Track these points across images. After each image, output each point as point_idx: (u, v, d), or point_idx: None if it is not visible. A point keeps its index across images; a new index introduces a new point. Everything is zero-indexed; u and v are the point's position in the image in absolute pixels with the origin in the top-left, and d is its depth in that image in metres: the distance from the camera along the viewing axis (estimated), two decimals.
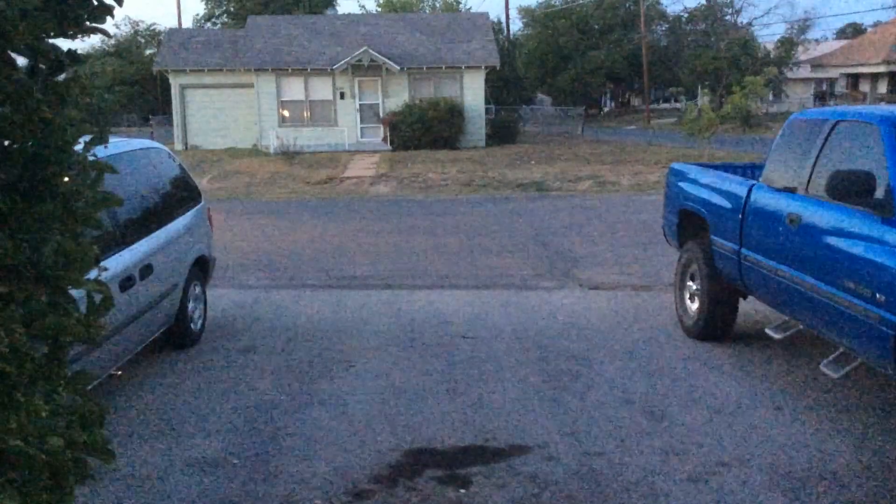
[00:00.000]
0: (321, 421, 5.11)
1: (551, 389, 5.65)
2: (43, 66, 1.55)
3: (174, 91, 31.14)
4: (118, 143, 6.10)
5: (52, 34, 1.55)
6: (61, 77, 1.56)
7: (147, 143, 6.88)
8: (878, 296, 4.27)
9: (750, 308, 7.17)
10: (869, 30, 52.29)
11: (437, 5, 57.32)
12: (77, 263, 1.55)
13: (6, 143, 1.51)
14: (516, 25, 57.77)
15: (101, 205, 1.64)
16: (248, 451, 4.67)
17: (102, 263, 4.85)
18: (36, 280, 1.47)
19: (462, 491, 4.16)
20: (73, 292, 1.63)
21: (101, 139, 1.69)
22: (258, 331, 7.15)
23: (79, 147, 1.62)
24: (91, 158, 1.65)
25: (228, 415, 5.22)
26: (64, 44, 1.59)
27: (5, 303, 1.45)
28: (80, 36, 1.60)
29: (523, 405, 5.36)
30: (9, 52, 1.52)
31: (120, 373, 5.66)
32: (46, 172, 1.48)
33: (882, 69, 40.89)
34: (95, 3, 1.61)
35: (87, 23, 1.57)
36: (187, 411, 5.28)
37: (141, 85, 45.07)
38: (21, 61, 1.54)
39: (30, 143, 1.48)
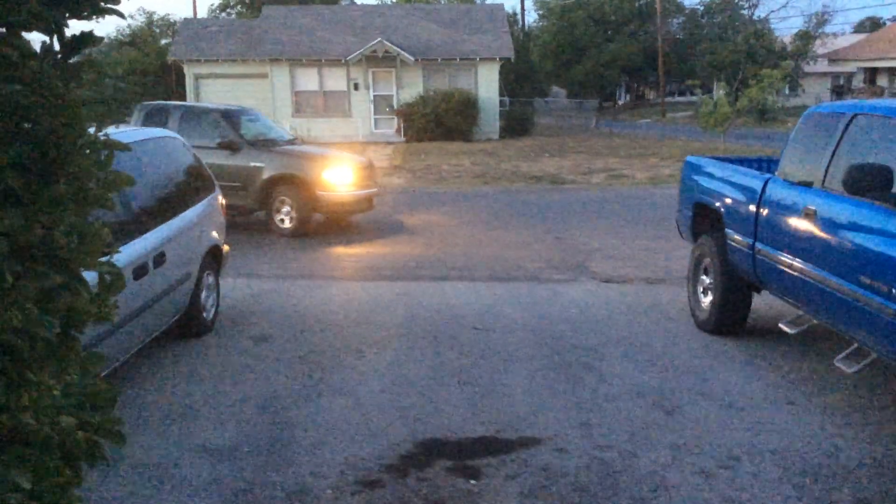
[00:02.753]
0: (333, 410, 5.12)
1: (563, 382, 5.65)
2: (57, 47, 1.55)
3: (189, 81, 31.23)
4: (133, 132, 6.13)
5: (66, 14, 1.55)
6: (75, 58, 1.56)
7: (161, 132, 6.90)
8: (893, 291, 4.24)
9: (763, 303, 7.12)
10: (888, 23, 51.76)
11: None
12: (89, 244, 1.56)
13: (20, 122, 1.51)
14: (531, 17, 57.79)
15: (113, 185, 1.64)
16: (259, 439, 4.69)
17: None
18: (48, 260, 1.48)
19: (473, 482, 4.16)
20: (86, 275, 1.64)
21: (112, 119, 1.69)
22: (270, 320, 7.17)
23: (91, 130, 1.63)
24: (102, 138, 1.65)
25: (240, 403, 5.24)
26: (78, 25, 1.60)
27: (18, 281, 1.46)
28: (94, 17, 1.60)
29: (535, 397, 5.36)
30: (22, 32, 1.52)
31: (133, 360, 5.69)
32: (59, 152, 1.48)
33: None
34: None
35: (102, 3, 1.57)
36: (199, 399, 5.30)
37: (156, 75, 45.23)
38: (35, 41, 1.54)
39: (43, 123, 1.49)
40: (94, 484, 4.08)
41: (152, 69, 37.41)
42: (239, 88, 30.85)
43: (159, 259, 5.60)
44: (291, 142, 12.74)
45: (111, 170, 1.65)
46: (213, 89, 30.94)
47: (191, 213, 6.51)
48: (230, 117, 11.85)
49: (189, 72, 31.02)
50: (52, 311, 1.51)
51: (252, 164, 11.33)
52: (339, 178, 11.43)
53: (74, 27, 1.57)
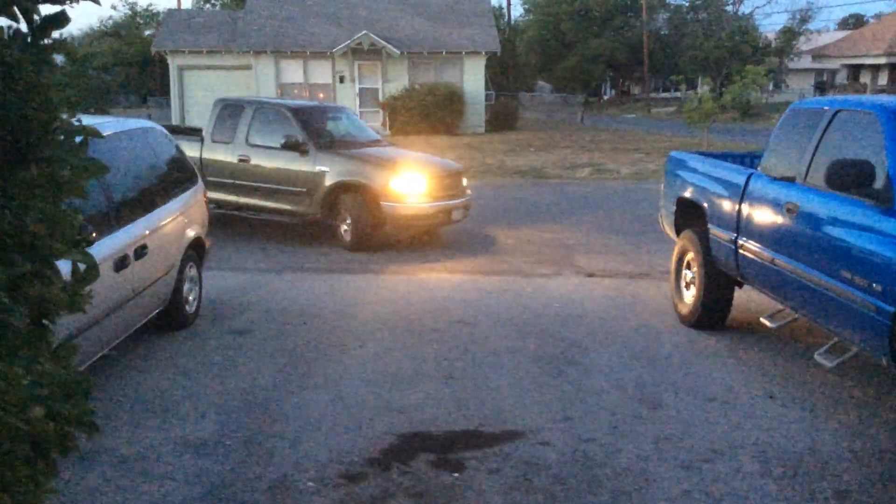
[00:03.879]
0: (315, 404, 5.10)
1: (546, 375, 5.65)
2: (27, 29, 1.52)
3: (172, 72, 31.01)
4: (114, 123, 6.07)
5: None
6: (47, 41, 1.53)
7: (144, 123, 6.83)
8: (874, 286, 4.26)
9: (745, 298, 7.16)
10: (871, 21, 52.14)
11: None
12: (62, 231, 1.53)
13: None
14: (517, 11, 57.69)
15: (87, 172, 1.61)
16: (241, 432, 4.66)
17: (97, 243, 4.79)
18: (19, 247, 1.45)
19: (455, 475, 4.16)
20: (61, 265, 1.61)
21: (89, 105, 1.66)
22: (253, 313, 7.13)
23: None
24: (76, 124, 1.62)
25: (222, 396, 5.21)
26: (52, 9, 1.56)
27: None
28: (67, 1, 1.57)
29: (518, 391, 5.36)
30: None
31: (114, 353, 5.64)
32: (31, 137, 1.45)
33: (883, 61, 40.75)
34: None
35: None
36: (181, 392, 5.27)
37: (139, 66, 44.88)
38: (3, 22, 1.51)
39: (14, 108, 1.46)
40: (73, 476, 4.05)
41: (136, 60, 37.13)
42: (223, 80, 30.63)
43: (140, 251, 5.55)
44: (376, 143, 11.35)
45: (86, 157, 1.62)
46: (198, 81, 30.73)
47: (173, 205, 6.46)
48: (302, 115, 10.71)
49: (173, 63, 30.80)
50: (22, 299, 1.48)
51: (317, 168, 10.14)
52: (409, 187, 9.88)
53: (46, 11, 1.54)
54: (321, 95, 29.92)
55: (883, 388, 5.39)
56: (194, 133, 11.60)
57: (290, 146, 10.23)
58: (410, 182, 9.91)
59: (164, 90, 37.15)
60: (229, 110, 11.07)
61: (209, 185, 10.59)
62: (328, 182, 10.06)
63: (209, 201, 10.52)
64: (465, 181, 10.87)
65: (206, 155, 10.92)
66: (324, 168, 10.12)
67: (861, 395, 5.28)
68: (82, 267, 1.67)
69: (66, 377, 1.52)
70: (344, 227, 10.07)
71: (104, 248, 4.95)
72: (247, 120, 10.75)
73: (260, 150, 10.57)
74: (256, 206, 10.65)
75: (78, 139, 1.63)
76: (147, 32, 46.55)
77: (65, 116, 1.59)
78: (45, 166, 1.50)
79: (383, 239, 10.45)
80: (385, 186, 9.83)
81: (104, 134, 5.40)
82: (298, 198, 10.23)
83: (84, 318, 4.52)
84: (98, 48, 40.04)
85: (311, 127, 10.60)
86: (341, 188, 10.02)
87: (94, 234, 4.54)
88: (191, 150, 10.46)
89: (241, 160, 10.63)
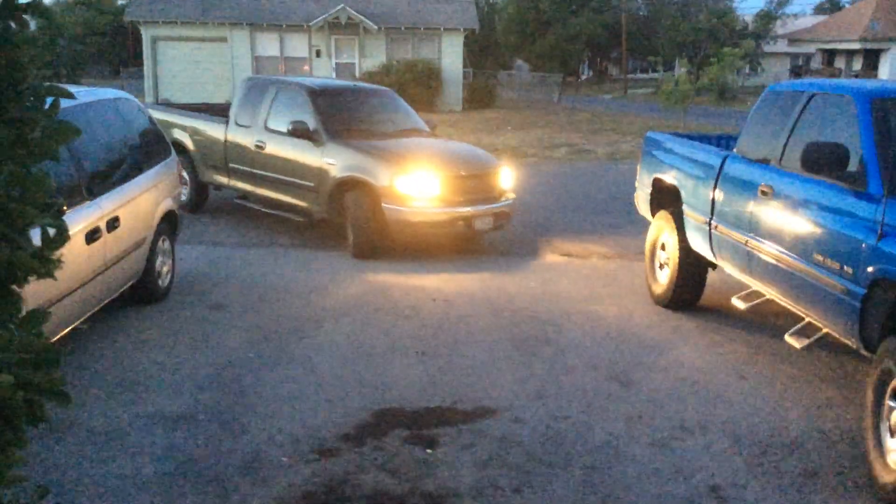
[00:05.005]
0: (289, 379, 5.09)
1: (520, 354, 5.68)
2: None
3: (146, 43, 30.45)
4: (86, 92, 5.96)
5: None
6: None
7: (116, 93, 6.72)
8: (846, 268, 4.32)
9: (717, 279, 7.23)
10: (846, 6, 52.51)
11: None
12: (31, 194, 1.49)
13: None
14: None
15: (58, 135, 1.57)
16: (214, 407, 4.64)
17: (68, 214, 4.71)
18: None
19: (429, 451, 4.18)
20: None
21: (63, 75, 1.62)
22: (227, 289, 7.08)
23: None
24: (46, 85, 1.58)
25: (195, 371, 5.18)
26: None
27: None
28: None
29: (492, 369, 5.38)
30: None
31: (85, 326, 5.58)
32: None
33: (857, 46, 41.16)
34: None
35: None
36: (153, 367, 5.23)
37: (112, 36, 44.08)
38: None
39: None
40: (43, 448, 4.01)
41: (108, 30, 36.45)
42: (198, 52, 30.19)
43: (112, 223, 5.48)
44: (413, 132, 9.57)
45: (57, 119, 1.58)
46: (171, 52, 30.24)
47: (146, 177, 6.37)
48: (320, 97, 9.16)
49: (146, 34, 30.24)
50: None
51: (325, 160, 8.59)
52: (415, 187, 8.11)
53: None
54: (306, 68, 29.58)
55: (852, 369, 5.48)
56: (222, 114, 10.39)
57: (298, 133, 8.76)
58: (418, 181, 8.14)
59: (138, 61, 36.55)
60: (255, 90, 9.82)
61: (231, 173, 9.83)
62: (332, 176, 8.51)
63: (237, 192, 9.94)
64: (507, 181, 9.00)
65: (230, 138, 9.79)
66: (331, 161, 8.56)
67: (830, 376, 5.37)
68: (52, 232, 1.63)
69: (36, 344, 1.49)
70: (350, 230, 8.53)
71: (76, 220, 4.89)
72: (268, 101, 9.49)
73: (275, 137, 9.22)
74: (268, 198, 9.46)
75: (48, 101, 1.59)
76: (120, 1, 45.66)
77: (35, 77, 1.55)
78: (13, 127, 1.45)
79: (391, 247, 8.67)
80: (387, 185, 8.14)
81: (76, 104, 5.32)
82: (306, 193, 8.88)
83: (55, 289, 4.46)
84: (70, 18, 39.21)
85: (329, 111, 9.04)
86: (345, 185, 8.46)
87: (64, 207, 4.50)
88: (216, 133, 9.97)
89: (257, 146, 9.37)
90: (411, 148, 8.92)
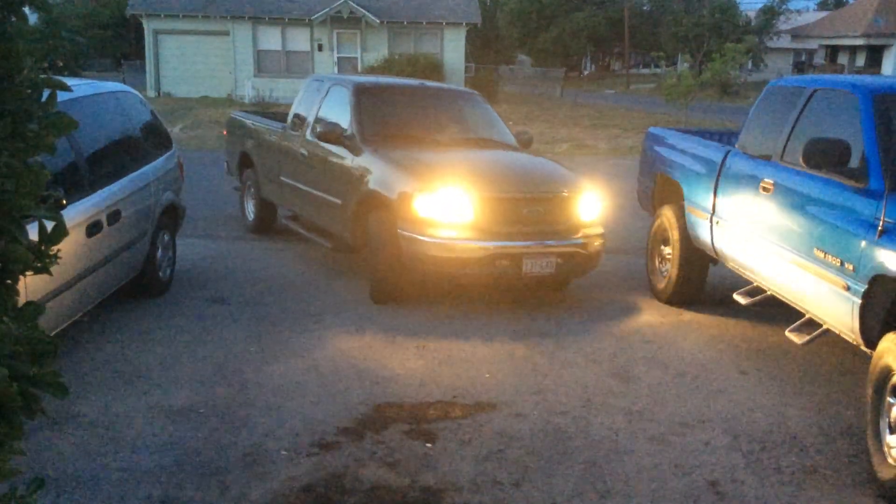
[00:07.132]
0: (290, 373, 5.09)
1: (520, 348, 5.68)
2: None
3: (147, 36, 30.41)
4: (88, 85, 5.96)
5: None
6: None
7: (118, 86, 6.71)
8: (847, 264, 4.31)
9: (719, 274, 7.22)
10: (850, 2, 52.35)
11: None
12: (27, 187, 1.48)
13: None
14: None
15: (55, 128, 1.56)
16: (215, 401, 4.64)
17: (69, 207, 4.71)
18: None
19: (428, 445, 4.18)
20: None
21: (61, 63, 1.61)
22: (228, 282, 7.08)
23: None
24: (43, 77, 1.57)
25: (196, 364, 5.18)
26: None
27: None
28: None
29: (492, 363, 5.38)
30: None
31: (86, 319, 5.58)
32: None
33: (860, 42, 41.01)
34: None
35: None
36: (154, 360, 5.23)
37: (114, 29, 44.03)
38: None
39: None
40: (42, 440, 4.02)
41: (110, 23, 36.36)
42: (199, 45, 30.16)
43: (114, 216, 5.48)
44: (488, 144, 7.66)
45: (55, 111, 1.57)
46: (174, 46, 30.20)
47: (147, 170, 6.37)
48: (366, 95, 7.52)
49: (148, 27, 30.19)
50: None
51: (358, 172, 6.88)
52: (439, 210, 6.21)
53: None
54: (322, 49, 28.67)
55: (852, 365, 5.47)
56: (281, 119, 9.03)
57: (327, 137, 7.21)
58: (444, 201, 6.20)
59: (140, 54, 36.50)
60: (311, 90, 8.34)
61: (283, 188, 8.26)
62: (358, 192, 6.81)
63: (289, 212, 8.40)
64: (590, 210, 6.75)
65: (283, 146, 8.33)
66: (364, 173, 6.82)
67: (830, 372, 5.36)
68: (50, 225, 1.62)
69: (32, 337, 1.49)
70: None
71: (76, 213, 4.89)
72: (318, 103, 7.96)
73: (315, 144, 7.66)
74: (309, 220, 8.05)
75: (46, 93, 1.58)
76: None
77: (32, 68, 1.54)
78: (10, 120, 1.45)
79: (420, 290, 6.96)
80: (407, 207, 6.30)
81: (77, 97, 5.31)
82: (334, 213, 7.24)
83: (55, 282, 4.46)
84: (71, 10, 39.13)
85: (375, 114, 7.39)
86: (367, 203, 6.76)
87: (63, 201, 4.49)
88: (272, 140, 8.60)
89: (301, 156, 7.89)
90: (458, 160, 6.96)
